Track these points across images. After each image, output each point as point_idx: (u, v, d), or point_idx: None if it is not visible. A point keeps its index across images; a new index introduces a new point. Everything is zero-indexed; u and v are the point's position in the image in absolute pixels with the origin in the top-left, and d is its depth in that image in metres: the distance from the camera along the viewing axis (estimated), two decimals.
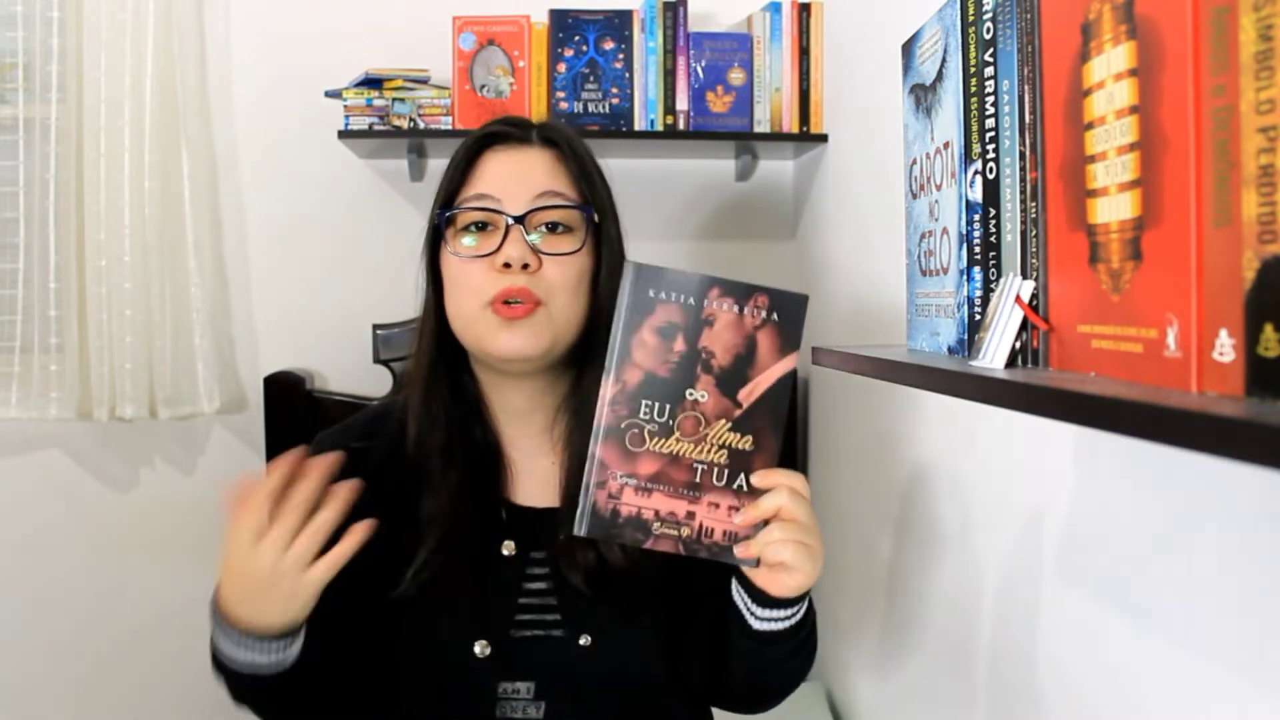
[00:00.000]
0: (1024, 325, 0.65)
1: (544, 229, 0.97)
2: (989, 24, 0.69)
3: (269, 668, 0.85)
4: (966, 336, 0.73)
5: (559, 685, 0.96)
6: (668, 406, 0.80)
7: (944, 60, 0.75)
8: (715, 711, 1.08)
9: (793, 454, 1.86)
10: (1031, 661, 0.93)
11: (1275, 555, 0.61)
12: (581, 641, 0.95)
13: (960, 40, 0.72)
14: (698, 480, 0.81)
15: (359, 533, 0.82)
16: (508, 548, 0.98)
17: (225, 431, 1.98)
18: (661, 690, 0.99)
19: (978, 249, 0.71)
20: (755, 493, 0.81)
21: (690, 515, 0.81)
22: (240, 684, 0.87)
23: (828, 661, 1.76)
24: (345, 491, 0.82)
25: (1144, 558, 0.75)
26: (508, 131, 1.01)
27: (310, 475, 0.81)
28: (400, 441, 1.00)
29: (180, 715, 1.96)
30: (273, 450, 1.79)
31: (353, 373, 1.92)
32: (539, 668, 0.96)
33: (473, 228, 0.97)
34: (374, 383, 1.87)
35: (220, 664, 0.87)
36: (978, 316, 0.71)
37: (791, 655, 0.91)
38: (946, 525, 1.19)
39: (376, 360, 1.83)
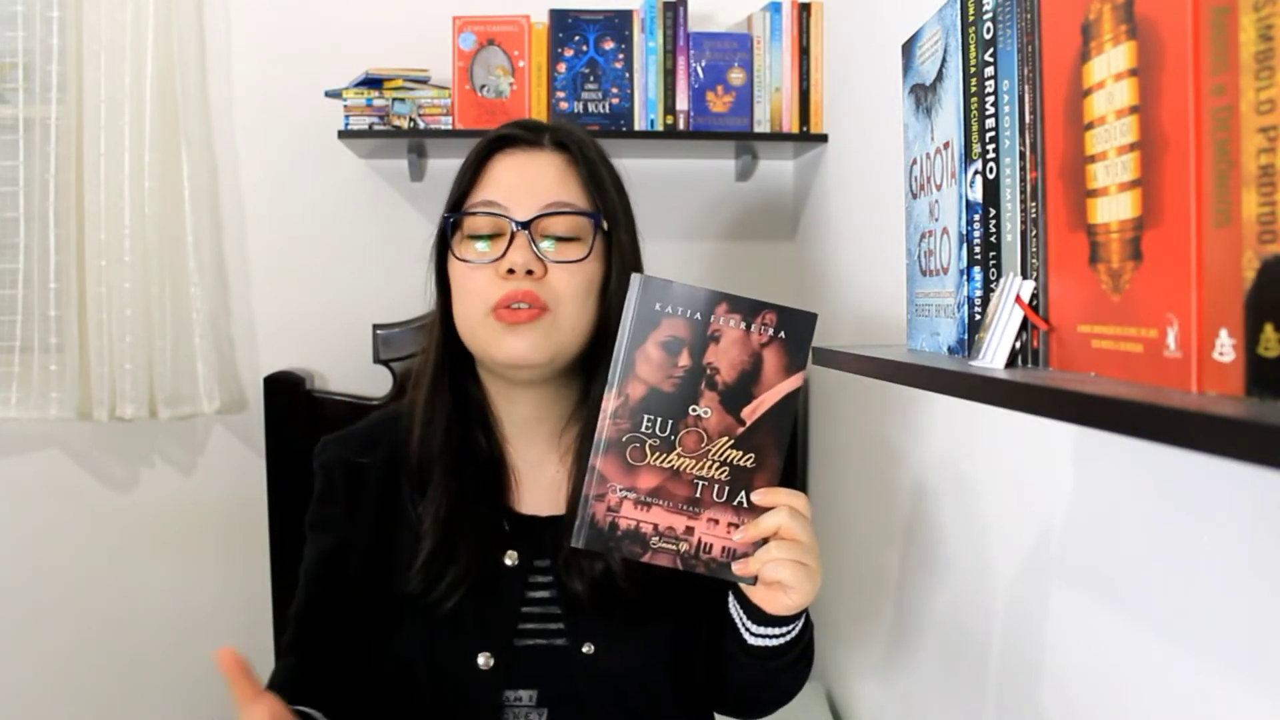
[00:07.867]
0: (1024, 325, 0.65)
1: (552, 236, 0.96)
2: (989, 24, 0.69)
3: None
4: (966, 336, 0.73)
5: (562, 694, 0.95)
6: (670, 422, 0.80)
7: (944, 60, 0.75)
8: (716, 716, 1.08)
9: (793, 455, 1.86)
10: (1033, 662, 0.93)
11: (1275, 555, 0.61)
12: (585, 650, 0.95)
13: (960, 40, 0.72)
14: (698, 496, 0.80)
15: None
16: (510, 558, 0.97)
17: (225, 431, 1.98)
18: (664, 699, 0.99)
19: (978, 249, 0.71)
20: (755, 510, 0.80)
21: (689, 531, 0.80)
22: None
23: (828, 664, 1.76)
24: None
25: (1144, 558, 0.75)
26: (518, 135, 0.99)
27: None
28: (404, 448, 0.99)
29: (181, 714, 1.96)
30: (273, 450, 1.79)
31: (353, 373, 1.92)
32: (542, 677, 0.95)
33: (480, 233, 0.96)
34: (374, 383, 1.86)
35: None
36: (978, 316, 0.71)
37: (785, 670, 0.91)
38: (946, 526, 1.19)
39: (376, 360, 1.83)
